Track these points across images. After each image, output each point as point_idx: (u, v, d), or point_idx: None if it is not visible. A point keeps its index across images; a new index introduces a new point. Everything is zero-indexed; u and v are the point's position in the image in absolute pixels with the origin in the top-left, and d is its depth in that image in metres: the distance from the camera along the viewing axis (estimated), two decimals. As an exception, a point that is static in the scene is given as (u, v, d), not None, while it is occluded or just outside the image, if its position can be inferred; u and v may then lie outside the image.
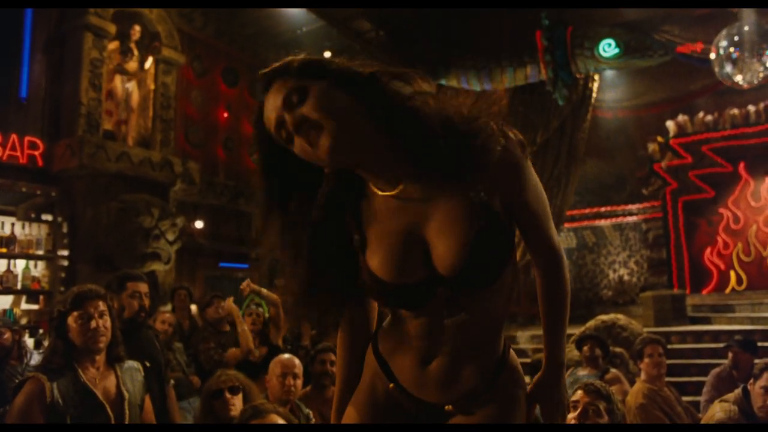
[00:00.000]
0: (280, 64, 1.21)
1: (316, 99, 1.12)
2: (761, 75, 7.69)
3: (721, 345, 7.43)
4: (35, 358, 3.59)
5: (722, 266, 10.61)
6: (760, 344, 4.90)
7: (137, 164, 7.02)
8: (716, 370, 4.56)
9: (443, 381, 1.28)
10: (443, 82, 10.37)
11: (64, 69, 6.93)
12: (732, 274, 10.48)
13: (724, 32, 7.75)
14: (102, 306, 2.32)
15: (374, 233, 1.23)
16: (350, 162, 1.17)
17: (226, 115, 9.42)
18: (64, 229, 6.52)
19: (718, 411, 2.99)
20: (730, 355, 4.48)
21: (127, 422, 2.31)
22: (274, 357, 4.08)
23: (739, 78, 7.82)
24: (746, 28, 7.45)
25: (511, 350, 1.39)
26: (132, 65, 7.45)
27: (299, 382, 3.25)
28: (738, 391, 3.09)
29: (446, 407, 1.30)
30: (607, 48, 8.81)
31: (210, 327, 5.06)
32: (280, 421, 1.96)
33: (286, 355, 3.41)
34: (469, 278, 1.19)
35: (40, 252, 6.39)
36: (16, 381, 3.35)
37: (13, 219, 6.23)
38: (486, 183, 1.17)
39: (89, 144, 6.54)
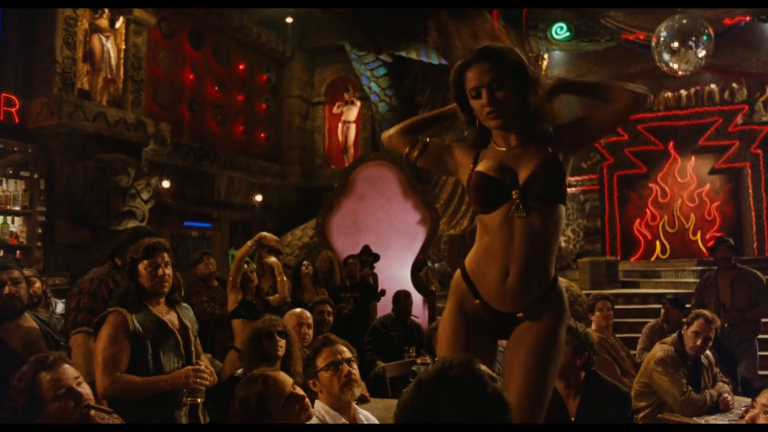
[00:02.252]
0: (500, 51, 1.92)
1: (505, 91, 1.89)
2: (695, 64, 8.48)
3: (649, 306, 8.37)
4: (60, 307, 3.90)
5: (649, 236, 11.64)
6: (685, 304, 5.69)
7: (113, 124, 7.16)
8: (650, 323, 5.31)
9: (518, 292, 1.90)
10: (403, 53, 10.77)
11: (37, 26, 6.94)
12: (657, 243, 11.53)
13: (664, 23, 8.47)
14: (167, 257, 2.71)
15: (487, 160, 1.99)
16: (501, 122, 1.92)
17: (191, 77, 9.54)
18: (41, 186, 6.65)
19: (658, 350, 3.67)
20: (662, 311, 5.23)
21: (191, 347, 2.76)
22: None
23: (675, 66, 8.60)
24: (685, 21, 8.18)
25: (560, 280, 2.02)
26: (102, 22, 7.47)
27: (311, 331, 3.73)
28: (674, 335, 3.78)
29: (518, 314, 1.92)
30: (559, 31, 9.44)
31: (201, 282, 5.42)
32: (345, 350, 2.44)
33: (298, 309, 3.86)
34: (533, 190, 1.88)
35: (18, 208, 6.52)
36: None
37: (-8, 175, 6.33)
38: (554, 145, 1.94)
39: (67, 103, 6.65)
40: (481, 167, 1.96)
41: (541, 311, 1.92)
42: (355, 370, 2.41)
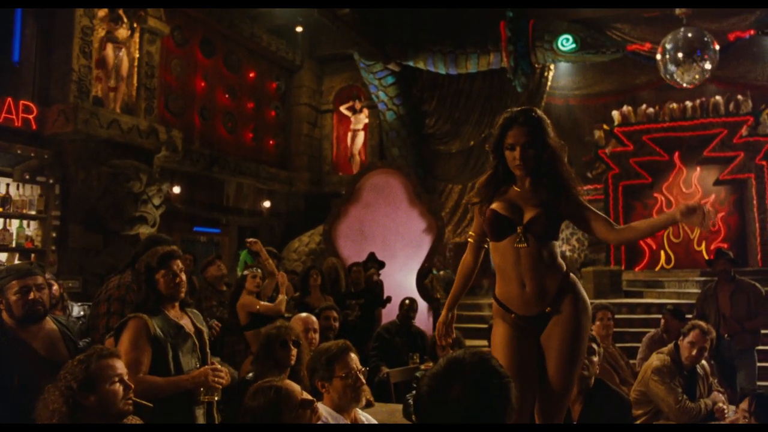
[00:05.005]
0: (537, 120, 2.48)
1: (534, 150, 2.45)
2: (699, 77, 8.59)
3: (652, 316, 8.44)
4: (75, 310, 4.03)
5: (654, 246, 11.68)
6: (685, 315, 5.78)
7: (126, 131, 7.32)
8: (650, 333, 5.40)
9: (537, 295, 2.44)
10: (411, 63, 10.92)
11: (55, 36, 7.12)
12: (662, 253, 11.57)
13: (670, 36, 8.60)
14: (181, 264, 2.85)
15: (504, 199, 2.52)
16: (524, 172, 2.47)
17: (203, 84, 9.71)
18: (56, 191, 6.82)
19: (655, 360, 3.77)
20: (662, 321, 5.32)
21: (207, 349, 2.92)
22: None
23: (679, 78, 8.70)
24: (690, 34, 8.29)
25: (572, 274, 2.51)
26: (122, 32, 7.66)
27: (317, 335, 3.86)
28: (671, 345, 3.88)
29: (546, 309, 2.44)
30: (565, 43, 9.56)
31: (210, 286, 5.56)
32: (354, 356, 2.58)
33: (304, 314, 3.99)
34: (533, 227, 2.42)
35: (33, 212, 6.69)
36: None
37: (9, 180, 6.49)
38: (559, 201, 2.45)
39: (83, 110, 6.82)
40: (495, 205, 2.52)
41: (563, 303, 2.44)
42: (364, 378, 2.56)
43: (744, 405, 2.01)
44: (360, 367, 2.59)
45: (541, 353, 2.47)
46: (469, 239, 2.72)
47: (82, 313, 4.03)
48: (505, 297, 2.51)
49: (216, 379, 2.74)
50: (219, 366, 2.79)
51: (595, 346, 3.22)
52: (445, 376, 1.32)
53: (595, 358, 3.19)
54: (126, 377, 2.26)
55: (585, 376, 3.10)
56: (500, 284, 2.54)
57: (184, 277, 2.87)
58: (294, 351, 3.13)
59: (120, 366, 2.26)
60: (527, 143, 2.44)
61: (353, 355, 2.60)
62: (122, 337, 2.65)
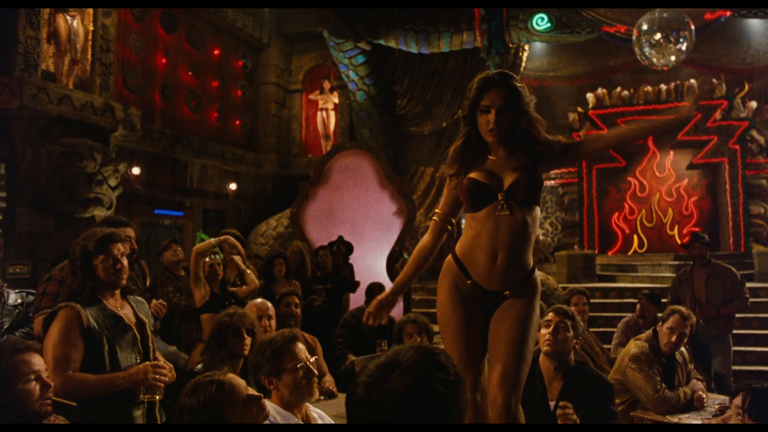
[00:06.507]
0: (515, 84, 2.32)
1: (508, 115, 2.29)
2: (675, 59, 8.42)
3: (625, 300, 8.34)
4: (12, 298, 3.69)
5: (627, 230, 11.63)
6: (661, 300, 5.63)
7: (79, 108, 6.90)
8: (625, 318, 5.24)
9: (505, 273, 2.30)
10: (382, 42, 10.60)
11: (-1, 4, 6.65)
12: (635, 237, 11.53)
13: (646, 16, 8.39)
14: (122, 248, 2.55)
15: (480, 168, 2.38)
16: (497, 138, 2.31)
17: (164, 61, 9.27)
18: (2, 171, 6.40)
19: (632, 347, 3.58)
20: (638, 306, 5.16)
21: (149, 343, 2.63)
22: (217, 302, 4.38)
23: (655, 60, 8.52)
24: (666, 14, 8.10)
25: (537, 271, 2.42)
26: (73, -1, 7.21)
27: (273, 322, 3.58)
28: (649, 331, 3.69)
29: (505, 292, 2.31)
30: (540, 22, 9.32)
31: (167, 272, 5.24)
32: (302, 346, 2.31)
33: (259, 300, 3.71)
34: (515, 193, 2.29)
35: (-23, 193, 6.27)
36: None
37: (-51, 158, 6.06)
38: (540, 163, 2.36)
39: (30, 85, 6.39)
40: (472, 174, 2.36)
41: (522, 291, 2.33)
42: (316, 368, 2.29)
43: (737, 401, 1.80)
44: (309, 356, 2.33)
45: (493, 332, 2.33)
46: (433, 217, 2.53)
47: (19, 301, 3.69)
48: (469, 261, 2.35)
49: (157, 376, 2.46)
50: (162, 362, 2.51)
51: (569, 322, 3.02)
52: (388, 365, 1.23)
53: (569, 334, 2.99)
54: (44, 374, 2.02)
55: (568, 352, 2.95)
56: (467, 246, 2.37)
57: (125, 262, 2.57)
58: (248, 340, 2.85)
59: (37, 362, 2.02)
60: (503, 107, 2.28)
61: (301, 345, 2.33)
62: (51, 329, 2.36)
